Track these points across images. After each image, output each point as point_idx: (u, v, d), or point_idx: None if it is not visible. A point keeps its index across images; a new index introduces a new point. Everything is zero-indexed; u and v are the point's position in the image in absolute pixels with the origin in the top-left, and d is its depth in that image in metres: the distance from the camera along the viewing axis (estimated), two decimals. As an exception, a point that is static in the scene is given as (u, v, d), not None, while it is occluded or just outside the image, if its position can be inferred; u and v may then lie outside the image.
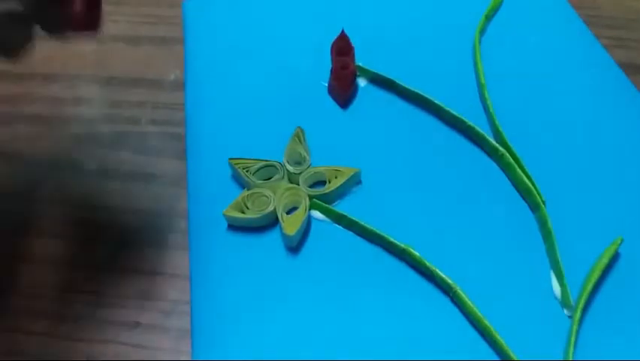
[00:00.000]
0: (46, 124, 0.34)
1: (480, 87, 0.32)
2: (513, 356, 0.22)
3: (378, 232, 0.26)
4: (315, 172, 0.28)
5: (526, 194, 0.27)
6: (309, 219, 0.27)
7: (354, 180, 0.28)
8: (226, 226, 0.27)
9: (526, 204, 0.27)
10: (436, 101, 0.30)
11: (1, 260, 0.28)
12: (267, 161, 0.28)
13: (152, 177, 0.31)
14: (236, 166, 0.28)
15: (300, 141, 0.29)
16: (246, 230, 0.26)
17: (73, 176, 0.31)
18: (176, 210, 0.29)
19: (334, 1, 0.37)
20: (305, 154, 0.28)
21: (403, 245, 0.25)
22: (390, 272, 0.25)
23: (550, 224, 0.26)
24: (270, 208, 0.26)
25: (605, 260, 0.24)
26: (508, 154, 0.28)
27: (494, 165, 0.29)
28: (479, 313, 0.23)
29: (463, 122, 0.30)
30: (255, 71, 0.33)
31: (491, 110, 0.30)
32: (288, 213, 0.27)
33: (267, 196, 0.27)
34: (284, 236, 0.26)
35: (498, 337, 0.23)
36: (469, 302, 0.23)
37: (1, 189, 0.31)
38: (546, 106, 0.31)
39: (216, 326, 0.24)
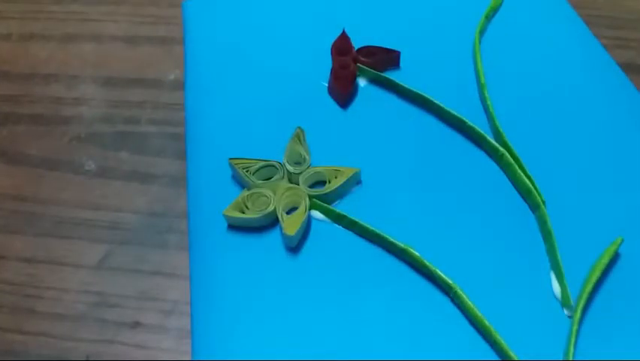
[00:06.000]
0: (46, 124, 0.34)
1: (480, 87, 0.32)
2: (513, 356, 0.22)
3: (378, 232, 0.26)
4: (315, 172, 0.28)
5: (526, 194, 0.27)
6: (309, 219, 0.27)
7: (354, 180, 0.28)
8: (226, 225, 0.27)
9: (526, 205, 0.27)
10: (436, 102, 0.31)
11: (0, 261, 0.28)
12: (267, 161, 0.28)
13: (152, 177, 0.31)
14: (236, 166, 0.28)
15: (300, 141, 0.29)
16: (246, 230, 0.26)
17: (72, 176, 0.31)
18: (176, 210, 0.29)
19: (335, 1, 0.37)
20: (305, 154, 0.28)
21: (402, 245, 0.25)
22: (390, 272, 0.25)
23: (550, 224, 0.26)
24: (270, 208, 0.26)
25: (605, 260, 0.24)
26: (508, 154, 0.28)
27: (494, 165, 0.29)
28: (479, 314, 0.23)
29: (463, 122, 0.30)
30: (255, 70, 0.33)
31: (491, 110, 0.30)
32: (288, 213, 0.27)
33: (267, 196, 0.27)
34: (284, 236, 0.26)
35: (498, 337, 0.23)
36: (469, 302, 0.23)
37: (1, 189, 0.31)
38: (546, 106, 0.31)
39: (216, 326, 0.24)
